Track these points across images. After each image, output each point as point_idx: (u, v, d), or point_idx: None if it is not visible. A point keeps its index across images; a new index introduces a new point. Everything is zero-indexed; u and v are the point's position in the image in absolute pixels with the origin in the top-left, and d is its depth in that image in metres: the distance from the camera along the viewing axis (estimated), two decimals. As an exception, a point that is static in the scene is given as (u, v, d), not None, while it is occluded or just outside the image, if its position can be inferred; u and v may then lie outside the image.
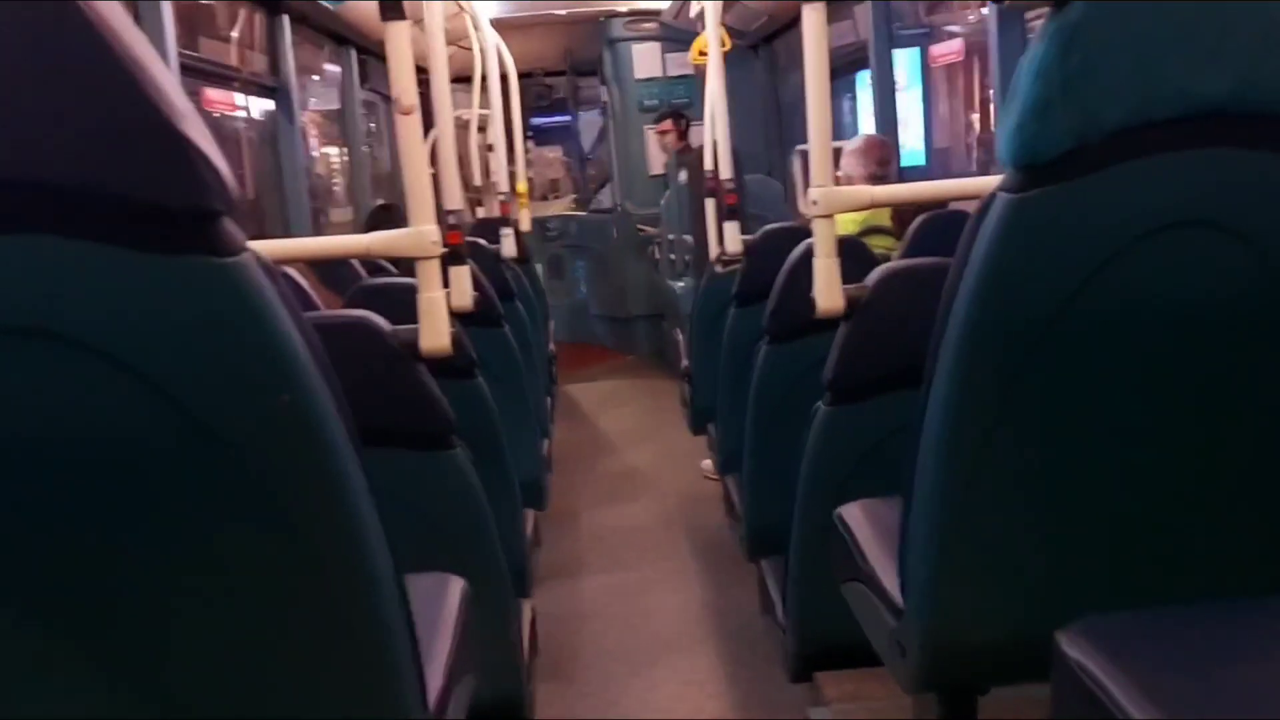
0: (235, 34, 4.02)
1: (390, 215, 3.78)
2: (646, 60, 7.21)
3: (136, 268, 0.80)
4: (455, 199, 2.24)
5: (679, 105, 6.84)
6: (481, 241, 3.92)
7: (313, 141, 5.34)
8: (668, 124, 6.42)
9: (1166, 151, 1.05)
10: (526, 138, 6.34)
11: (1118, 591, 1.20)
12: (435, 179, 2.32)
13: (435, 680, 1.14)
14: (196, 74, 3.60)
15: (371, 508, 0.94)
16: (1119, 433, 1.16)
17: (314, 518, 0.91)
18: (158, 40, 2.74)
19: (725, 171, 3.52)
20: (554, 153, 8.53)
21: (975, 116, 4.38)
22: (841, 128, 5.34)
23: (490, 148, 5.14)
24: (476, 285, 2.20)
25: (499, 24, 5.35)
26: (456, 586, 1.36)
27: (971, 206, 1.17)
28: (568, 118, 8.56)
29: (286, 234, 4.02)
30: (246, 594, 0.92)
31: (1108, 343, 1.11)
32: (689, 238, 5.40)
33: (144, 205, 0.79)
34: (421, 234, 1.66)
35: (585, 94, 8.42)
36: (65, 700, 0.93)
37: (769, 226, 3.24)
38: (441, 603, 1.31)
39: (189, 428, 0.84)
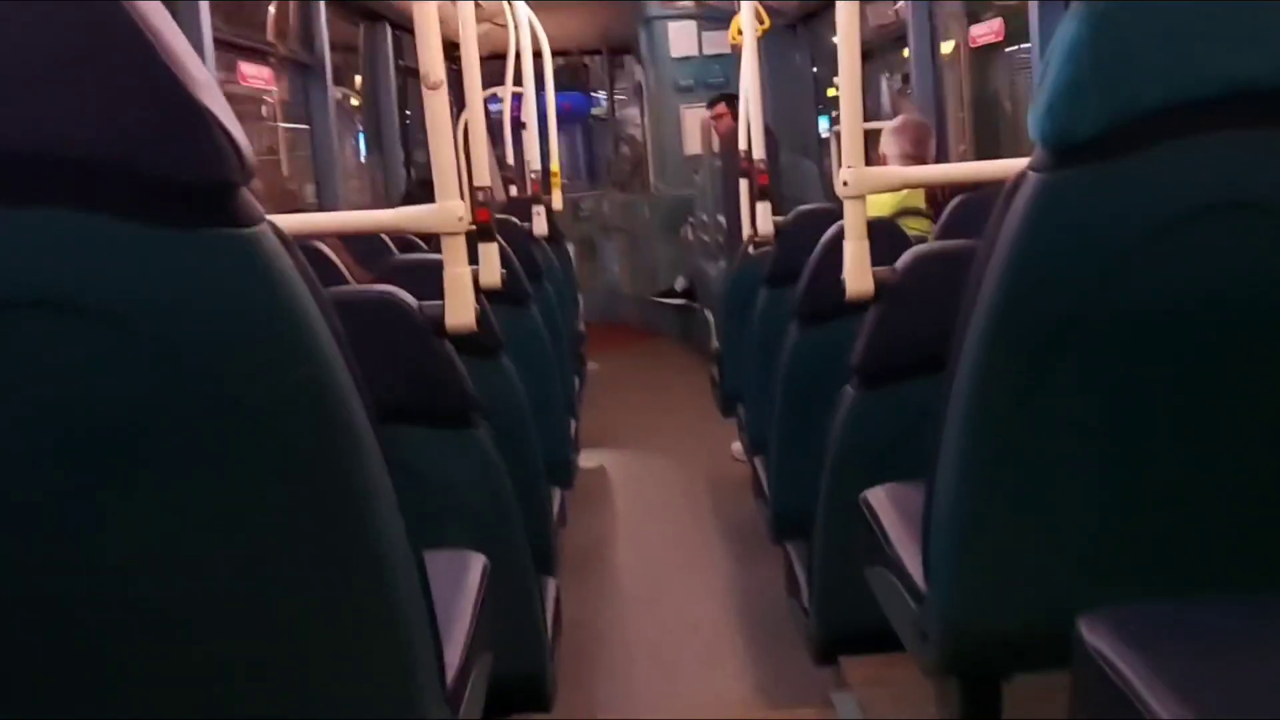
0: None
1: (429, 191, 3.78)
2: (683, 39, 7.16)
3: (154, 240, 0.80)
4: (485, 176, 2.23)
5: (718, 85, 6.77)
6: (513, 219, 3.92)
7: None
8: (722, 107, 5.93)
9: (1203, 132, 1.03)
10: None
11: (1143, 581, 1.18)
12: (467, 156, 2.32)
13: (453, 657, 1.14)
14: (231, 49, 3.62)
15: (388, 483, 0.94)
16: (1148, 420, 1.14)
17: (330, 492, 0.91)
18: (192, 18, 2.75)
19: (758, 152, 3.49)
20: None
21: None
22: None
23: (523, 125, 5.13)
24: (505, 263, 2.19)
25: (534, 2, 5.33)
26: (476, 563, 1.36)
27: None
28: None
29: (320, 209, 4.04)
30: (261, 567, 0.92)
31: (1138, 328, 1.09)
32: (722, 218, 5.38)
33: (162, 177, 0.79)
34: (447, 209, 1.65)
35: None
36: (79, 676, 0.94)
37: (802, 208, 3.22)
38: (461, 579, 1.31)
39: (206, 400, 0.84)
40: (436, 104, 1.68)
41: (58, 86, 0.77)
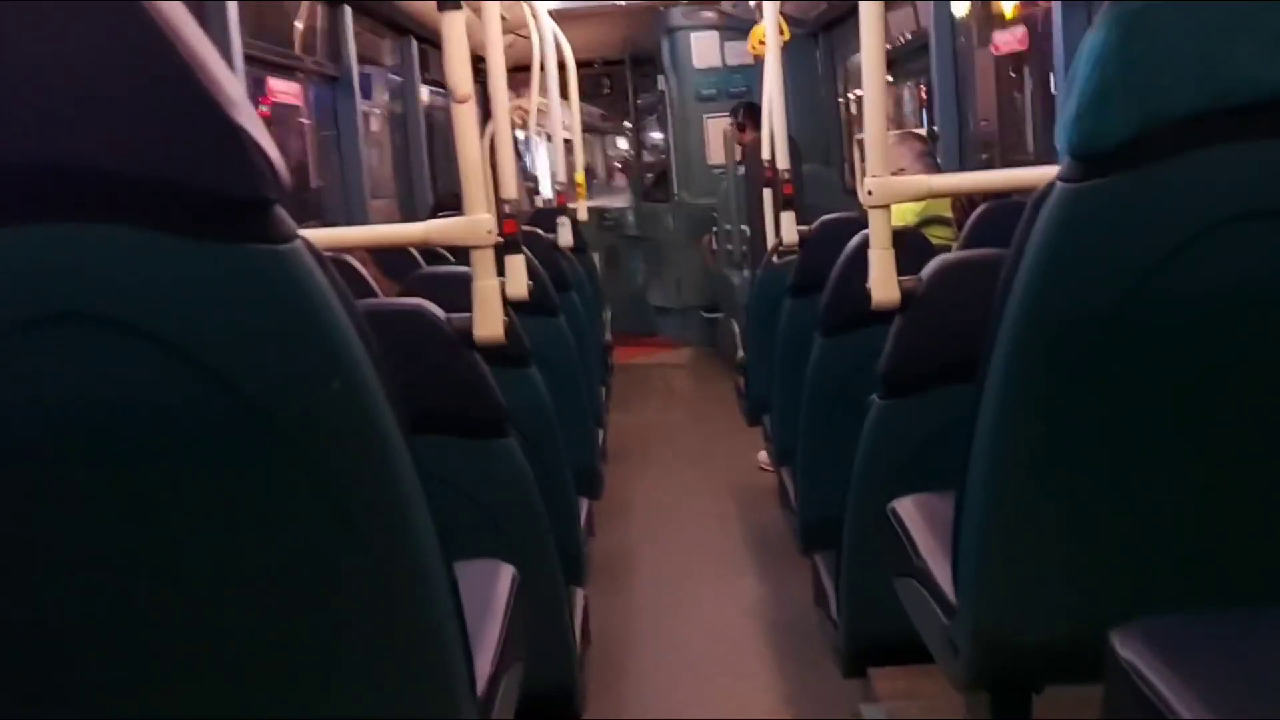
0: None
1: (458, 204, 3.80)
2: (705, 49, 7.19)
3: (190, 254, 0.82)
4: (512, 188, 2.25)
5: (741, 94, 6.78)
6: (538, 231, 3.93)
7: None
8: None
9: (1234, 140, 1.02)
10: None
11: (1175, 593, 1.17)
12: (494, 169, 2.33)
13: (484, 666, 1.14)
14: (260, 64, 3.65)
15: (421, 494, 0.95)
16: (1178, 431, 1.13)
17: (363, 503, 0.92)
18: (222, 33, 2.78)
19: (782, 161, 3.49)
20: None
21: None
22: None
23: (548, 138, 5.15)
24: (532, 274, 2.20)
25: (557, 14, 5.35)
26: (506, 573, 1.36)
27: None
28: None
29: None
30: (295, 577, 0.93)
31: (1169, 338, 1.09)
32: (746, 228, 5.37)
33: (198, 193, 0.81)
34: (476, 222, 1.67)
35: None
36: (118, 677, 0.95)
37: (826, 217, 3.21)
38: (491, 589, 1.32)
39: (242, 412, 0.86)
40: (464, 117, 1.69)
41: (95, 103, 0.79)
